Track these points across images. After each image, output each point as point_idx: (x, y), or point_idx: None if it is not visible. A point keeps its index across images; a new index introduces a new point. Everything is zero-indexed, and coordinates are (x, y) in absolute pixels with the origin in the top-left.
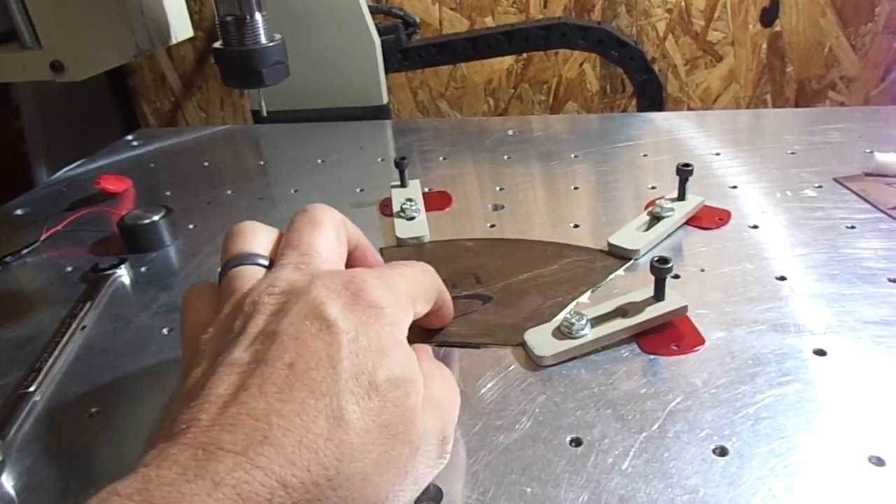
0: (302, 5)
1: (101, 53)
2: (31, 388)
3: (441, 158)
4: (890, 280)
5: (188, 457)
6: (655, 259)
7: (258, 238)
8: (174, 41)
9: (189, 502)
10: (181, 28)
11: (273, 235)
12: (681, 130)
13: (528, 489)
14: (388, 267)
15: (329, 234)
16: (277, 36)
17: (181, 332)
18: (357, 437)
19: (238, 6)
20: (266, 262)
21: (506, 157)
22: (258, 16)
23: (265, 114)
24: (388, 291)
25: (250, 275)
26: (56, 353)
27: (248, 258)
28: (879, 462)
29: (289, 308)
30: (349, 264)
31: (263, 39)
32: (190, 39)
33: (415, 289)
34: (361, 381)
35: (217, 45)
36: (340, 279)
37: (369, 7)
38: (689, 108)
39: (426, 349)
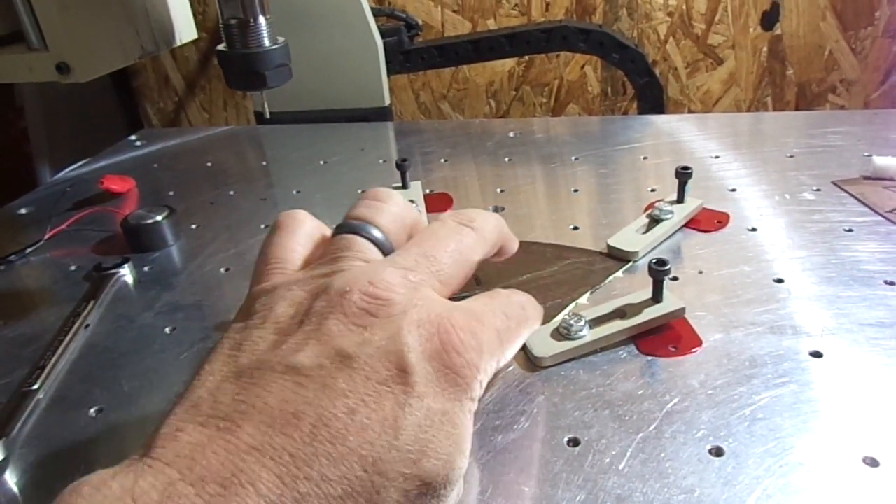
0: (305, 8)
1: (106, 55)
2: (35, 386)
3: (442, 160)
4: (886, 282)
5: (218, 484)
6: (653, 261)
7: (389, 211)
8: (178, 43)
9: None
10: (185, 30)
11: (408, 217)
12: (681, 133)
13: (526, 488)
14: (488, 312)
15: (466, 247)
16: (281, 39)
17: (265, 245)
18: None
19: (242, 9)
20: (384, 241)
21: (507, 159)
22: (262, 19)
23: (268, 115)
24: (478, 355)
25: (361, 249)
26: (59, 351)
27: (367, 227)
28: (874, 463)
29: (373, 332)
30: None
31: (267, 42)
32: (194, 41)
33: (505, 345)
34: (420, 467)
35: (221, 47)
36: (438, 319)
37: (372, 9)
38: (690, 111)
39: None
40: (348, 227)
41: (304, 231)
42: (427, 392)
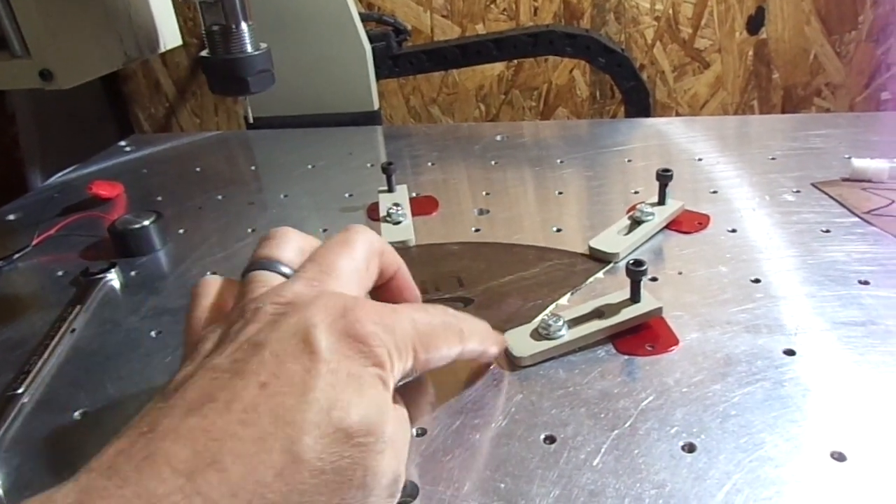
0: (294, 13)
1: (89, 62)
2: (20, 390)
3: (430, 164)
4: (860, 282)
5: (132, 468)
6: (630, 262)
7: (289, 246)
8: (163, 49)
9: None
10: (170, 36)
11: (307, 246)
12: (667, 136)
13: (502, 485)
14: (406, 307)
15: (357, 257)
16: (263, 45)
17: (186, 321)
18: (310, 478)
19: (224, 16)
20: (289, 272)
21: (493, 162)
22: (244, 25)
23: (251, 120)
24: (387, 333)
25: (267, 281)
26: (45, 355)
27: (271, 264)
28: (841, 457)
29: (282, 322)
30: (382, 296)
31: (249, 48)
32: (184, 46)
33: (424, 338)
34: (332, 416)
35: (204, 53)
36: (343, 304)
37: (360, 15)
38: (678, 114)
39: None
40: (255, 266)
41: (216, 293)
42: (333, 359)
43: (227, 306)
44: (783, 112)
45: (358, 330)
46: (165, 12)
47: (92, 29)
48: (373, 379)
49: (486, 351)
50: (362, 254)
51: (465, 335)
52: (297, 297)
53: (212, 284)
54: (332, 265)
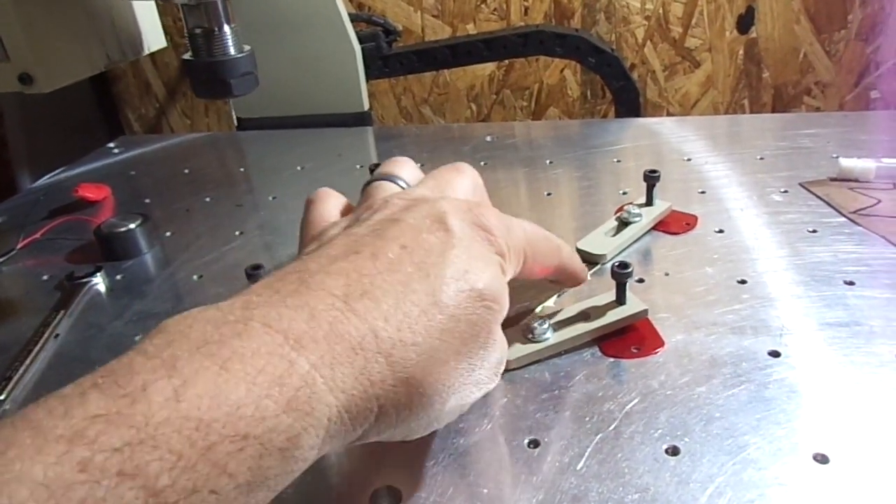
0: (283, 13)
1: (70, 65)
2: (2, 397)
3: (420, 165)
4: (846, 283)
5: (290, 290)
6: (616, 264)
7: (407, 167)
8: (147, 52)
9: (286, 325)
10: (154, 39)
11: (420, 174)
12: (656, 136)
13: (485, 490)
14: (516, 219)
15: (468, 180)
16: (247, 47)
17: (304, 221)
18: (447, 322)
19: (207, 18)
20: (406, 186)
21: (483, 163)
22: (227, 28)
23: (236, 122)
24: (506, 231)
25: (390, 189)
26: (28, 361)
27: (392, 178)
28: (824, 459)
29: (414, 208)
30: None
31: (232, 51)
32: (174, 47)
33: (532, 246)
34: (467, 278)
35: (187, 56)
36: (467, 203)
37: (350, 15)
38: (669, 114)
39: None
40: (378, 177)
41: (335, 200)
42: (465, 237)
43: (346, 211)
44: (773, 111)
45: (483, 222)
46: (149, 14)
47: (72, 32)
48: (496, 263)
49: (576, 273)
50: (471, 179)
51: (563, 253)
52: (423, 195)
53: (329, 192)
54: (449, 181)
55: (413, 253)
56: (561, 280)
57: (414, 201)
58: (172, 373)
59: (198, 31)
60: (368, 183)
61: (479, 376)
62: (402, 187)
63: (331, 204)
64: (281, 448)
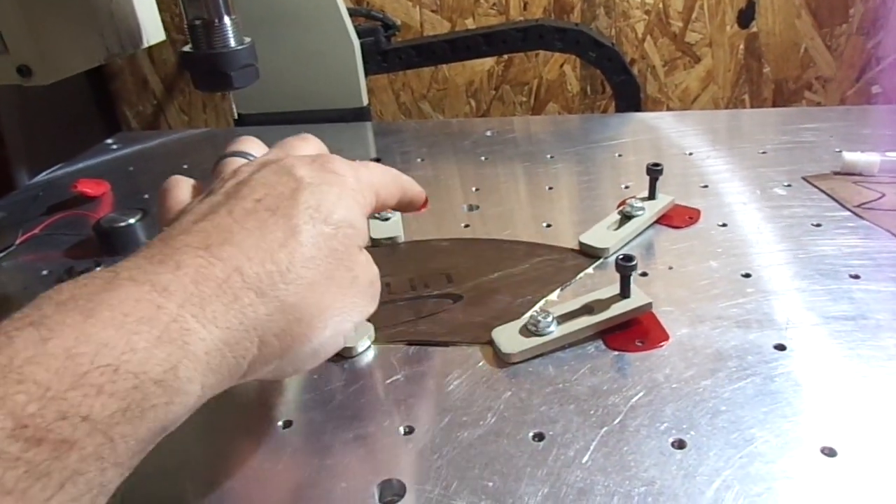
0: (281, 8)
1: (69, 57)
2: None
3: (419, 160)
4: (851, 276)
5: (155, 251)
6: (620, 257)
7: (253, 144)
8: (146, 44)
9: (152, 280)
10: (153, 32)
11: (266, 149)
12: (657, 130)
13: (490, 483)
14: (358, 161)
15: (312, 144)
16: (247, 39)
17: (160, 207)
18: (308, 250)
19: (206, 10)
20: (254, 159)
21: (483, 158)
22: (227, 19)
23: (236, 116)
24: (352, 170)
25: (238, 162)
26: None
27: (240, 154)
28: (831, 453)
29: (263, 168)
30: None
31: (232, 43)
32: (171, 42)
33: (378, 181)
34: (321, 210)
35: (186, 48)
36: (311, 157)
37: (348, 10)
38: (669, 109)
39: None
40: (228, 155)
41: (186, 184)
42: (314, 180)
43: (199, 194)
44: (774, 106)
45: (330, 166)
46: (148, 7)
47: (72, 24)
48: (349, 195)
49: (416, 196)
50: (315, 144)
51: (404, 184)
52: (267, 158)
53: (180, 178)
54: (293, 145)
55: (266, 202)
56: (405, 207)
57: (262, 164)
58: (39, 325)
59: (197, 22)
60: (218, 161)
61: (353, 300)
62: (249, 161)
63: (183, 189)
64: (156, 380)
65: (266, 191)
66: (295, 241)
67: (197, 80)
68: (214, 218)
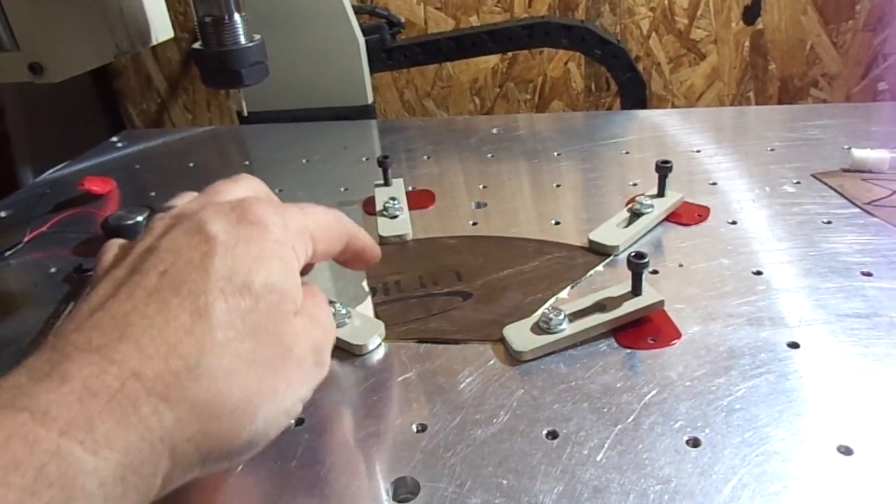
0: (286, 5)
1: (80, 55)
2: None
3: (425, 157)
4: (863, 273)
5: (42, 362)
6: (632, 254)
7: (188, 196)
8: (154, 42)
9: (35, 401)
10: (161, 29)
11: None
12: (664, 128)
13: (504, 481)
14: (292, 204)
15: (241, 185)
16: (257, 36)
17: (92, 283)
18: (221, 333)
19: (217, 7)
20: None
21: (489, 155)
22: (237, 16)
23: (245, 114)
24: (278, 217)
25: (164, 218)
26: None
27: (169, 209)
28: (848, 451)
29: (173, 228)
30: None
31: (243, 40)
32: (175, 40)
33: (315, 225)
34: (235, 281)
35: (196, 45)
36: (230, 203)
37: (353, 7)
38: (674, 106)
39: (313, 286)
40: (161, 212)
41: (115, 248)
42: (229, 239)
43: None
44: (779, 103)
45: (251, 217)
46: (157, 4)
47: (82, 21)
48: (273, 250)
49: (365, 249)
50: (247, 183)
51: (350, 229)
52: (184, 209)
53: (113, 242)
54: (218, 190)
55: (171, 275)
56: (354, 259)
57: (175, 218)
58: None
59: (208, 19)
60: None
61: (286, 378)
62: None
63: (111, 254)
64: None
65: (173, 259)
66: (204, 324)
67: (207, 77)
68: (112, 305)
